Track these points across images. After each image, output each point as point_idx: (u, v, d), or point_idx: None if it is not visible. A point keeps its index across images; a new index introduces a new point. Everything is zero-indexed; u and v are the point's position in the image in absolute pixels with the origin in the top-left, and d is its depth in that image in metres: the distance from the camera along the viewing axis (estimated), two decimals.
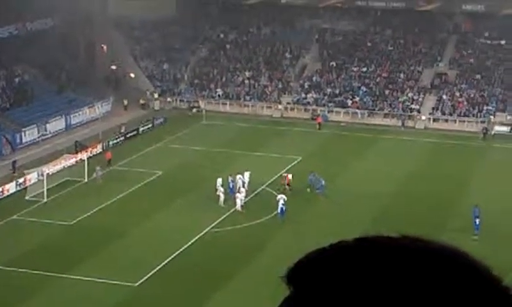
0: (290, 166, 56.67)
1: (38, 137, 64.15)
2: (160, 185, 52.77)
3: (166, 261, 39.81)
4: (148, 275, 38.12)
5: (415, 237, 1.64)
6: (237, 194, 48.10)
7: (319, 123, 70.64)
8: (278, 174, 53.97)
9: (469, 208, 45.05)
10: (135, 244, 42.39)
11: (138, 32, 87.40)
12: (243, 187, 49.55)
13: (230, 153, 60.29)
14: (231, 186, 50.05)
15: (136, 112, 74.73)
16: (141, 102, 76.40)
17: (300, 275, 1.63)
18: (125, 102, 75.57)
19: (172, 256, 40.45)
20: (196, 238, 43.07)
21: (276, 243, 42.71)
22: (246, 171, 52.02)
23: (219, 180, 49.88)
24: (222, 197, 48.33)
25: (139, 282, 37.45)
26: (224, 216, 46.50)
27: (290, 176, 51.56)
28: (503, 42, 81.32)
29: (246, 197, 48.62)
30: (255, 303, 35.35)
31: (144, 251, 41.22)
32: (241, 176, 51.15)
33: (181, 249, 41.40)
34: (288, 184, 50.86)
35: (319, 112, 73.89)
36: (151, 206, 48.12)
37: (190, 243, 42.33)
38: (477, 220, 43.74)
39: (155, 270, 38.77)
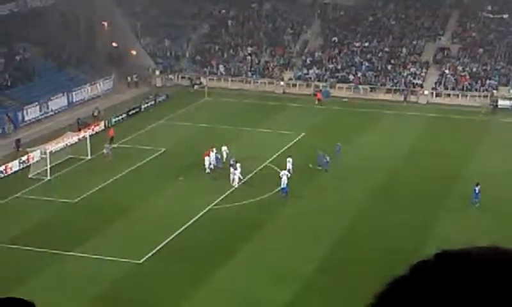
0: (294, 141, 56.70)
1: (41, 115, 64.14)
2: (163, 162, 52.81)
3: (169, 238, 39.91)
4: (152, 252, 38.24)
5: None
6: (235, 171, 47.84)
7: (319, 99, 70.50)
8: (282, 150, 54.02)
9: (471, 182, 45.08)
10: (139, 221, 42.50)
11: (139, 9, 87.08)
12: (235, 162, 48.71)
13: (232, 130, 60.26)
14: (226, 159, 50.16)
15: (138, 90, 74.64)
16: (135, 79, 75.95)
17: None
18: (129, 79, 75.47)
19: (176, 233, 40.54)
20: (200, 214, 43.15)
21: (279, 219, 42.81)
22: (223, 146, 52.34)
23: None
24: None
25: (144, 259, 37.58)
26: (228, 193, 46.54)
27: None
28: (505, 16, 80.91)
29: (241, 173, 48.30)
30: (257, 279, 35.50)
31: (148, 228, 41.34)
32: (226, 149, 52.06)
33: (185, 226, 41.50)
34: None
35: (321, 87, 73.75)
36: (154, 184, 48.19)
37: (193, 220, 42.43)
38: (477, 189, 43.99)
39: (159, 247, 38.88)
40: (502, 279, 1.45)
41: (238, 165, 48.14)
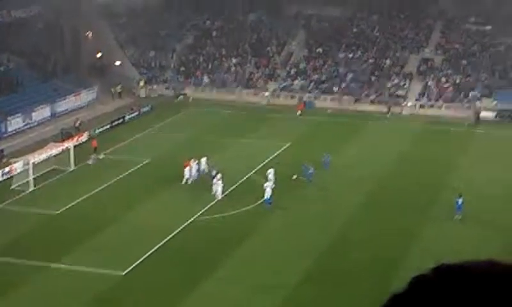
0: (278, 152, 56.69)
1: (24, 126, 63.78)
2: (148, 173, 52.62)
3: (153, 250, 39.70)
4: (135, 264, 38.01)
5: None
6: (218, 182, 47.64)
7: (301, 110, 70.59)
8: (266, 161, 53.98)
9: (455, 192, 45.18)
10: (122, 232, 42.26)
11: (124, 20, 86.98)
12: (216, 173, 48.29)
13: (217, 140, 60.19)
14: (207, 171, 50.11)
15: (121, 100, 74.44)
16: (118, 90, 75.74)
17: None
18: (113, 90, 75.24)
19: (160, 244, 40.34)
20: (184, 225, 42.98)
21: (264, 230, 42.72)
22: (203, 157, 52.05)
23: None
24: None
25: (126, 271, 37.35)
26: (212, 203, 46.42)
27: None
28: (488, 27, 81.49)
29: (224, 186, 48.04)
30: (242, 290, 35.37)
31: (132, 239, 41.12)
32: (205, 160, 51.64)
33: (169, 237, 41.29)
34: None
35: (305, 98, 73.88)
36: (138, 194, 47.98)
37: (177, 231, 42.24)
38: (459, 200, 43.83)
39: (142, 258, 38.64)
40: (500, 292, 1.44)
41: (219, 176, 47.90)
